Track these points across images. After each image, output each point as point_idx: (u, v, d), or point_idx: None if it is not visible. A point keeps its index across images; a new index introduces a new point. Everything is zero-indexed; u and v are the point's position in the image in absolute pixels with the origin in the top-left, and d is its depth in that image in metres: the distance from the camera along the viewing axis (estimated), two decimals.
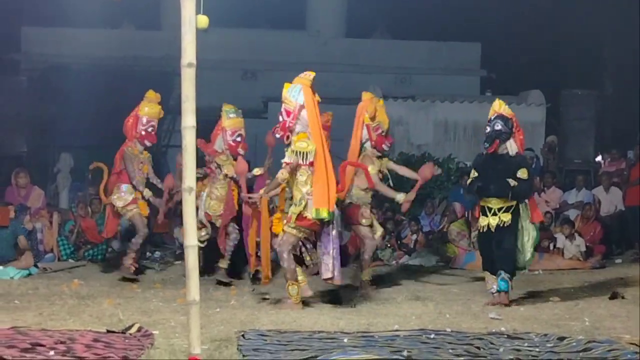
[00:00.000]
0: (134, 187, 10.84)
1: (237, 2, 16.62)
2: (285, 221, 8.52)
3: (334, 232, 8.58)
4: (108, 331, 6.89)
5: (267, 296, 9.49)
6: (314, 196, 8.31)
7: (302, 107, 8.43)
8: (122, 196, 10.86)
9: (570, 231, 13.29)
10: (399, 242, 13.97)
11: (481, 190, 9.04)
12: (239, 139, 10.68)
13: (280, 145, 9.01)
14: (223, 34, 17.50)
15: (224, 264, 10.66)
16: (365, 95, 10.50)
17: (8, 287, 9.69)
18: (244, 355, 6.02)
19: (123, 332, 6.85)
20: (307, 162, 8.33)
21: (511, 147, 9.02)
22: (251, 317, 7.85)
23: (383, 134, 10.24)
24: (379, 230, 10.37)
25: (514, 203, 8.92)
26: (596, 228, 13.89)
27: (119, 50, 18.95)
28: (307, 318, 7.87)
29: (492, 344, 6.65)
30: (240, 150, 10.66)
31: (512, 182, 8.84)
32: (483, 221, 9.04)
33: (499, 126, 9.00)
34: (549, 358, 6.17)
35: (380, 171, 10.16)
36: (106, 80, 18.03)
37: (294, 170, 8.41)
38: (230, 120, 10.68)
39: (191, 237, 5.61)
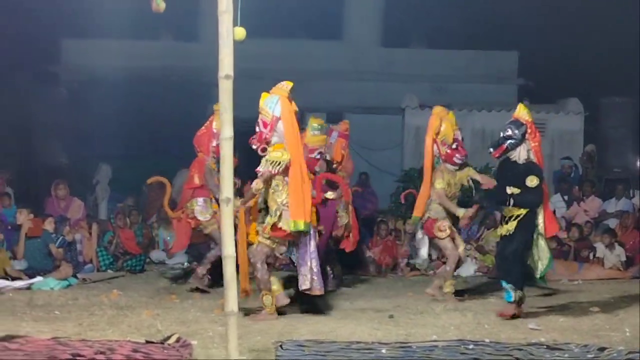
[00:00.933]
0: (210, 200, 10.68)
1: (273, 13, 16.72)
2: (260, 231, 8.48)
3: (312, 243, 8.51)
4: (147, 342, 6.92)
5: (304, 306, 9.49)
6: (290, 208, 8.27)
7: (278, 118, 8.38)
8: (203, 210, 10.69)
9: (610, 240, 13.16)
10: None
11: (488, 198, 9.03)
12: (318, 156, 10.44)
13: None
14: (259, 45, 17.51)
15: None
16: (434, 109, 10.50)
17: (48, 298, 9.77)
18: None
19: (162, 343, 6.88)
20: (280, 171, 8.27)
21: (520, 154, 8.84)
22: (289, 328, 7.85)
23: (454, 146, 10.25)
24: (462, 244, 10.40)
25: (522, 212, 8.72)
26: (636, 237, 13.73)
27: (157, 61, 19.10)
28: (344, 328, 7.86)
29: (531, 354, 6.61)
30: (317, 168, 10.47)
31: (510, 190, 8.70)
32: (499, 230, 9.00)
33: (508, 131, 8.86)
34: None
35: (462, 184, 10.38)
36: (144, 91, 18.18)
37: (268, 180, 8.34)
38: (313, 137, 10.45)
39: (229, 248, 5.64)
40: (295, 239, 8.51)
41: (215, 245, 10.66)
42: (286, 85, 8.58)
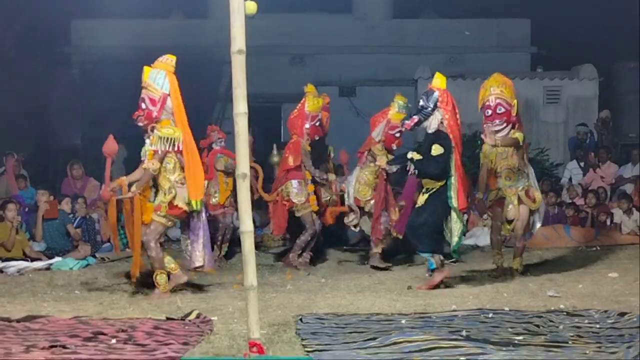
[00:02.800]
0: (304, 182, 10.76)
1: None
2: (154, 210, 8.26)
3: (203, 219, 8.43)
4: (168, 318, 6.97)
5: (322, 280, 9.53)
6: (188, 187, 8.14)
7: (167, 95, 8.16)
8: (299, 192, 10.73)
9: (628, 206, 13.10)
10: None
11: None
12: (397, 134, 10.58)
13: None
14: (270, 20, 17.47)
15: (378, 249, 10.69)
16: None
17: (68, 278, 9.83)
18: (302, 339, 6.05)
19: (182, 319, 6.92)
20: (176, 149, 8.10)
21: (431, 123, 8.70)
22: (308, 302, 7.87)
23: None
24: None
25: (437, 185, 8.65)
26: None
27: (168, 40, 19.01)
28: (363, 301, 7.88)
29: (551, 321, 6.61)
30: (394, 146, 10.66)
31: (411, 154, 8.70)
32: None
33: (421, 102, 8.77)
34: (610, 334, 6.11)
35: None
36: None
37: (162, 159, 8.17)
38: (397, 114, 10.54)
39: (247, 223, 5.65)
40: (188, 217, 8.38)
41: (306, 231, 10.76)
42: (170, 60, 8.36)
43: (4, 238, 10.94)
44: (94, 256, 11.47)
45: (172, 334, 6.25)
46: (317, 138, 10.93)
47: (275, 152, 12.51)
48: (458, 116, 8.83)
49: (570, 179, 15.58)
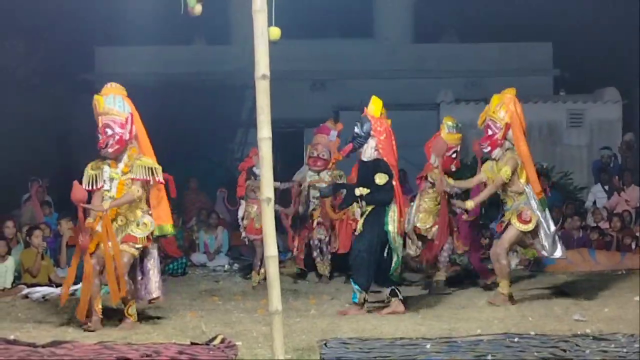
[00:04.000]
0: None
1: (303, 13, 16.70)
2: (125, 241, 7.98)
3: (154, 248, 8.30)
4: (192, 343, 6.97)
5: (347, 305, 9.49)
6: (160, 212, 8.08)
7: (131, 115, 8.08)
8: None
9: None
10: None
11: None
12: (454, 155, 10.49)
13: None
14: (290, 45, 17.45)
15: (441, 276, 10.62)
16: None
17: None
18: None
19: (207, 344, 6.92)
20: (157, 179, 7.97)
21: (366, 151, 8.67)
22: (332, 326, 7.85)
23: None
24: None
25: (369, 208, 8.60)
26: None
27: (190, 66, 19.21)
28: (388, 325, 7.85)
29: (577, 346, 6.56)
30: (453, 168, 10.50)
31: (359, 191, 8.56)
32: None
33: (355, 129, 8.71)
34: (636, 359, 6.05)
35: None
36: (179, 97, 18.28)
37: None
38: (449, 135, 10.42)
39: (271, 248, 5.65)
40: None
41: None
42: (118, 85, 8.25)
43: (29, 264, 10.99)
44: None
45: (196, 359, 6.24)
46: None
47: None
48: (394, 143, 8.79)
49: (594, 203, 15.50)
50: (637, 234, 13.29)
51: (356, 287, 8.64)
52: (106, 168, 8.08)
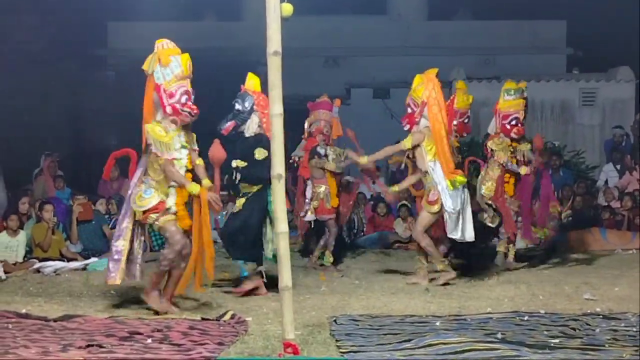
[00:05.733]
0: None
1: None
2: None
3: None
4: (203, 319, 7.00)
5: (356, 281, 9.52)
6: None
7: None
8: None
9: None
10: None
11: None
12: (514, 122, 10.33)
13: None
14: (303, 22, 17.45)
15: (512, 250, 10.68)
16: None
17: (104, 278, 9.86)
18: (336, 340, 6.05)
19: (217, 320, 6.95)
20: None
21: (249, 127, 8.53)
22: (342, 303, 7.88)
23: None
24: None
25: (254, 189, 8.45)
26: None
27: (202, 42, 19.12)
28: (398, 303, 7.88)
29: (587, 324, 6.57)
30: (514, 135, 10.35)
31: (235, 163, 8.43)
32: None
33: (237, 106, 8.56)
34: None
35: None
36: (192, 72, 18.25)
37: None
38: (506, 102, 10.37)
39: (282, 224, 5.66)
40: None
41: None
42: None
43: (40, 238, 11.05)
44: None
45: (207, 334, 6.28)
46: (465, 135, 10.84)
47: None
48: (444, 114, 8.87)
49: (606, 182, 15.44)
50: None
51: (239, 262, 8.59)
52: (176, 136, 7.53)
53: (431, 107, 9.13)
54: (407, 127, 9.35)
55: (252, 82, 8.73)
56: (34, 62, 16.74)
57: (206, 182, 7.53)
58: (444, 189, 9.08)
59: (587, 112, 18.12)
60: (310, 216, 10.86)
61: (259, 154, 8.36)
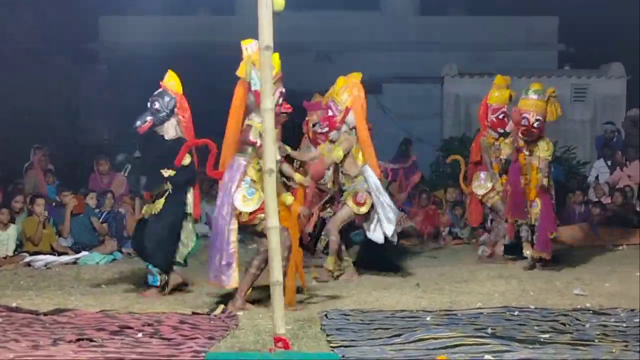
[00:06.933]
0: (491, 174, 10.65)
1: None
2: None
3: None
4: (193, 313, 7.00)
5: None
6: None
7: None
8: (482, 184, 10.69)
9: None
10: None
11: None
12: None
13: None
14: (295, 17, 17.46)
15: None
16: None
17: (95, 272, 9.89)
18: (327, 335, 6.06)
19: (208, 314, 6.95)
20: None
21: (168, 129, 8.22)
22: (333, 298, 7.88)
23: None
24: None
25: (169, 187, 8.15)
26: None
27: (195, 37, 19.13)
28: (389, 298, 7.88)
29: (577, 320, 6.59)
30: (500, 130, 10.47)
31: (167, 173, 8.08)
32: (143, 210, 8.39)
33: (156, 104, 8.17)
34: (636, 333, 6.07)
35: None
36: (182, 67, 18.16)
37: None
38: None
39: (273, 219, 5.66)
40: None
41: (496, 215, 10.76)
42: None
43: (31, 232, 11.03)
44: (120, 251, 11.53)
45: (197, 329, 6.28)
46: (501, 131, 10.67)
47: None
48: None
49: (597, 178, 15.49)
50: (639, 209, 13.28)
51: (155, 269, 8.18)
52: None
53: (357, 113, 9.04)
54: (325, 130, 9.33)
55: (172, 82, 8.41)
56: (25, 56, 16.70)
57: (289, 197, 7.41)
58: (379, 188, 9.11)
59: (579, 108, 18.14)
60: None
61: (185, 158, 8.09)
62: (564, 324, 6.43)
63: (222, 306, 7.15)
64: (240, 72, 7.38)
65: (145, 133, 8.29)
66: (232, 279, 7.20)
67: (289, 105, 7.56)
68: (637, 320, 6.52)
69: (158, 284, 8.16)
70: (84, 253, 10.97)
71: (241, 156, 7.29)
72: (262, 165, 6.86)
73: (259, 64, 6.99)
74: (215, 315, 6.89)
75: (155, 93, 8.28)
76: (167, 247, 8.19)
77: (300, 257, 7.64)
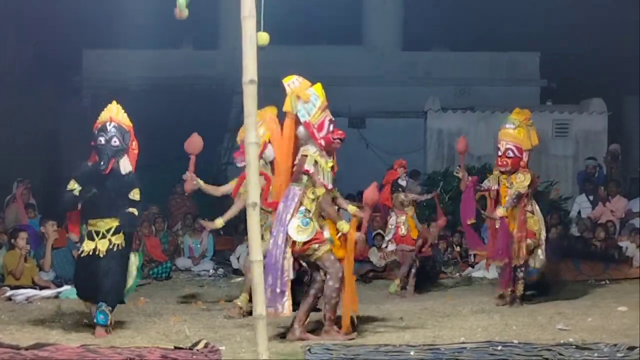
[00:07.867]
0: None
1: (292, 19, 16.72)
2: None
3: None
4: (176, 347, 6.96)
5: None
6: None
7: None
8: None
9: None
10: (462, 254, 13.89)
11: (89, 213, 8.04)
12: (499, 153, 10.14)
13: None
14: (279, 51, 17.53)
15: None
16: None
17: (76, 306, 9.80)
18: None
19: (190, 349, 6.91)
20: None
21: (124, 164, 8.04)
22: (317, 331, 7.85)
23: None
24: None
25: (115, 224, 7.90)
26: None
27: (178, 70, 19.17)
28: (372, 332, 7.86)
29: (560, 354, 6.59)
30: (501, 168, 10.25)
31: (132, 210, 7.91)
32: (88, 246, 7.95)
33: (116, 141, 8.01)
34: None
35: None
36: (166, 100, 18.23)
37: None
38: (503, 132, 10.26)
39: (256, 252, 5.66)
40: None
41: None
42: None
43: (13, 266, 10.96)
44: None
45: None
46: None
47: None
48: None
49: (579, 213, 15.56)
50: (621, 244, 13.34)
51: (109, 308, 7.86)
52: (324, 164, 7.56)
53: (279, 147, 8.20)
54: (242, 164, 8.71)
55: (122, 114, 8.29)
56: (7, 89, 16.69)
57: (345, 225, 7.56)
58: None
59: (561, 144, 18.26)
60: (394, 247, 11.36)
61: (137, 194, 7.98)
62: (547, 359, 6.43)
63: (204, 340, 7.11)
64: (286, 107, 7.60)
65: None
66: (287, 307, 7.35)
67: (341, 132, 7.71)
68: (620, 355, 6.53)
69: (108, 323, 7.86)
70: (65, 287, 10.87)
71: (296, 185, 7.48)
72: (317, 194, 7.31)
73: (305, 96, 7.32)
74: (197, 350, 6.84)
75: (115, 129, 8.11)
76: (121, 284, 8.04)
77: (354, 285, 7.78)
